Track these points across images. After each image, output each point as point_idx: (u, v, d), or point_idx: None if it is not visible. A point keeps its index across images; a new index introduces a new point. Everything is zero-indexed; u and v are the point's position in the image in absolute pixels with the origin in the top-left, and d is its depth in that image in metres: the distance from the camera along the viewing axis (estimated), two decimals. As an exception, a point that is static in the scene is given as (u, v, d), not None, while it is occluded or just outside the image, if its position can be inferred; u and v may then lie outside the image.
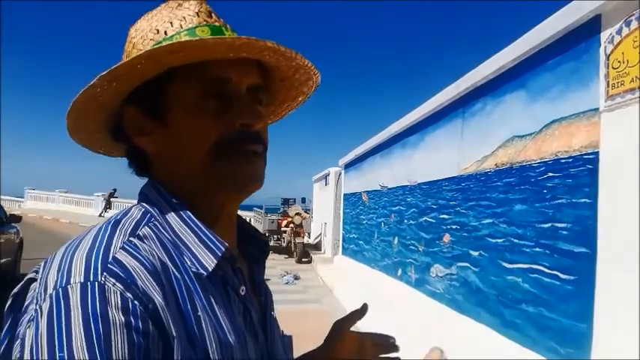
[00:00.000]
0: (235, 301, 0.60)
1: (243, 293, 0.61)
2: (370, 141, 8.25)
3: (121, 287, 0.46)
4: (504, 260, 3.52)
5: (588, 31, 2.75)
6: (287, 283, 8.80)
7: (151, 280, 0.49)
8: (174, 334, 0.48)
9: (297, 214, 13.28)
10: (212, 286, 0.57)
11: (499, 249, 3.62)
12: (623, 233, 2.36)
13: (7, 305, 0.53)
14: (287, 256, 12.96)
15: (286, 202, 16.32)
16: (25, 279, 0.54)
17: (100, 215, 23.78)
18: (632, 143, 2.34)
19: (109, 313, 0.44)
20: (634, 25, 2.38)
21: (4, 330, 0.52)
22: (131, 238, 0.52)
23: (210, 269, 0.56)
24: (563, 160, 2.92)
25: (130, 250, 0.51)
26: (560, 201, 2.92)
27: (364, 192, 8.66)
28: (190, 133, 0.59)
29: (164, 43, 0.56)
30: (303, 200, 16.81)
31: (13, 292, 0.54)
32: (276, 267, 10.41)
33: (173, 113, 0.59)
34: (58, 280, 0.47)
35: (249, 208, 18.26)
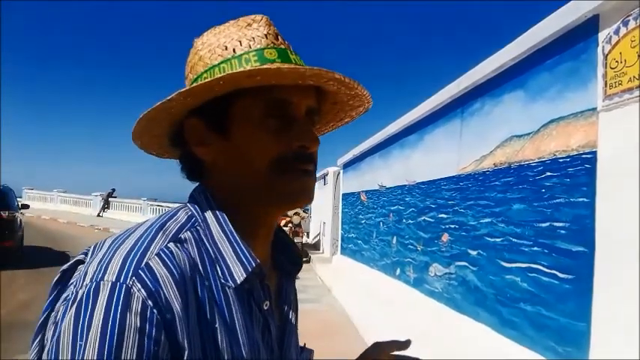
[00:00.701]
0: (256, 315, 0.63)
1: (266, 308, 0.64)
2: (369, 140, 8.26)
3: (145, 294, 0.50)
4: (503, 259, 3.53)
5: (586, 31, 2.76)
6: (286, 283, 8.80)
7: (176, 290, 0.53)
8: (187, 345, 0.52)
9: (296, 213, 13.27)
10: (236, 297, 0.60)
11: (497, 248, 3.63)
12: (621, 232, 2.37)
13: (55, 279, 0.59)
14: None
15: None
16: (74, 259, 0.60)
17: (98, 215, 23.73)
18: (630, 142, 2.35)
19: (127, 316, 0.48)
20: (632, 24, 2.39)
21: (48, 301, 0.58)
22: (170, 244, 0.57)
23: (238, 282, 0.59)
24: (561, 160, 2.93)
25: (164, 257, 0.55)
26: (558, 200, 2.93)
27: (363, 192, 8.67)
28: (251, 147, 0.62)
29: (233, 62, 0.62)
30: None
31: (62, 269, 0.60)
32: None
33: (236, 128, 0.63)
34: (96, 273, 0.52)
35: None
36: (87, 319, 0.48)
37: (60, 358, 0.47)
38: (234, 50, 0.64)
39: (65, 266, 0.60)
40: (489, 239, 3.78)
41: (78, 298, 0.50)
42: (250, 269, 0.60)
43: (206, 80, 0.58)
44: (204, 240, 0.61)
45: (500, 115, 3.83)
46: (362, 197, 8.72)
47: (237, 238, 0.61)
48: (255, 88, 0.60)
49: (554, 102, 3.07)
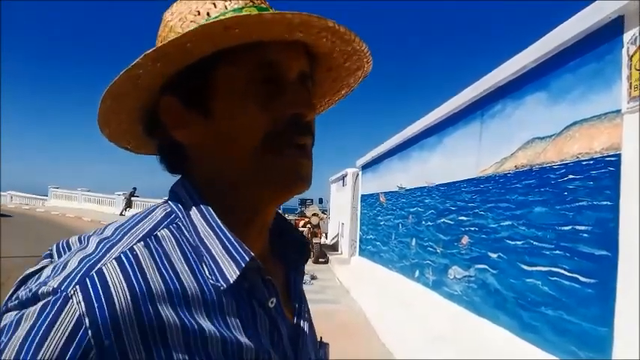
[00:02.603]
0: (260, 316, 0.54)
1: (272, 305, 0.55)
2: (388, 142, 8.24)
3: (83, 309, 0.42)
4: (523, 263, 3.50)
5: (611, 32, 2.72)
6: (304, 283, 8.81)
7: (130, 306, 0.43)
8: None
9: (315, 214, 13.31)
10: (233, 298, 0.52)
11: (518, 251, 3.59)
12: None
13: (15, 285, 0.49)
14: (304, 256, 13.00)
15: (303, 202, 16.38)
16: (38, 265, 0.51)
17: (120, 214, 24.19)
18: (655, 145, 2.31)
19: (49, 338, 0.40)
20: (658, 25, 2.35)
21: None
22: (137, 245, 0.48)
23: (231, 281, 0.50)
24: (584, 162, 2.89)
25: (125, 261, 0.46)
26: (580, 203, 2.89)
27: (382, 193, 8.65)
28: (237, 122, 0.53)
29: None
30: (321, 201, 16.87)
31: (25, 273, 0.50)
32: (293, 267, 10.45)
33: (217, 101, 0.54)
34: (45, 277, 0.45)
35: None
36: (11, 331, 0.41)
37: None
38: (207, 14, 0.55)
39: (27, 271, 0.50)
40: (510, 242, 3.74)
41: (15, 303, 0.43)
42: (244, 264, 0.51)
43: (177, 36, 0.49)
44: (188, 237, 0.52)
45: (521, 116, 3.79)
46: (381, 199, 8.70)
47: (226, 231, 0.53)
48: (236, 52, 0.52)
49: (578, 104, 3.03)
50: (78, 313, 0.41)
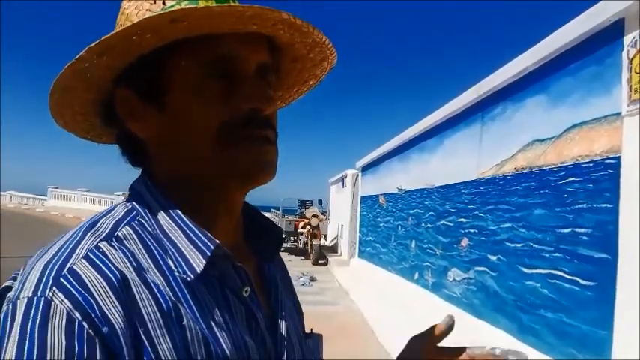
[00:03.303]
0: (235, 304, 0.53)
1: (246, 294, 0.54)
2: (388, 144, 8.25)
3: (69, 305, 0.41)
4: (523, 265, 3.49)
5: (611, 34, 2.72)
6: (303, 285, 8.83)
7: (112, 297, 0.43)
8: (139, 357, 0.43)
9: (314, 216, 13.31)
10: (205, 289, 0.51)
11: (518, 254, 3.59)
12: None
13: None
14: (303, 257, 13.01)
15: (303, 204, 16.39)
16: (2, 286, 0.50)
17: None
18: (655, 148, 2.31)
19: (49, 338, 0.40)
20: (658, 29, 2.35)
21: None
22: (102, 243, 0.48)
23: (198, 271, 0.50)
24: (584, 165, 2.89)
25: (95, 259, 0.45)
26: (580, 206, 2.89)
27: (382, 195, 8.65)
28: (191, 117, 0.52)
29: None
30: (320, 202, 16.86)
31: None
32: (292, 268, 10.40)
33: (171, 95, 0.53)
34: (15, 291, 0.44)
35: (266, 209, 18.38)
36: (2, 350, 0.40)
37: None
38: (164, 2, 0.52)
39: None
40: (509, 244, 3.74)
41: None
42: (209, 252, 0.50)
43: (121, 29, 0.47)
44: (151, 233, 0.52)
45: (521, 119, 3.80)
46: (381, 200, 8.70)
47: (189, 222, 0.52)
48: (190, 45, 0.50)
49: (578, 106, 3.04)
50: (65, 310, 0.41)
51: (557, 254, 3.09)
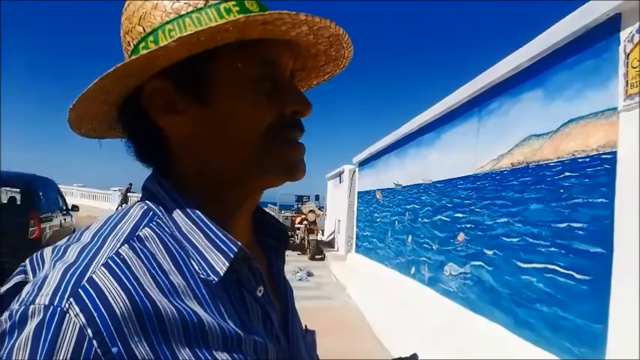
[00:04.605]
0: (252, 305, 0.54)
1: (260, 294, 0.55)
2: (385, 139, 8.24)
3: (83, 321, 0.40)
4: (519, 260, 3.51)
5: (608, 29, 2.72)
6: (300, 280, 8.85)
7: (130, 310, 0.42)
8: None
9: (311, 211, 13.31)
10: (224, 291, 0.51)
11: (514, 248, 3.60)
12: (641, 234, 2.34)
13: None
14: (300, 252, 13.02)
15: (300, 199, 16.38)
16: (11, 282, 0.48)
17: (116, 209, 24.11)
18: (651, 143, 2.31)
19: (56, 349, 0.39)
20: (655, 23, 2.35)
21: None
22: (122, 248, 0.47)
23: (221, 274, 0.50)
24: (580, 160, 2.90)
25: (114, 266, 0.44)
26: (576, 201, 2.90)
27: (378, 190, 8.65)
28: (240, 117, 0.53)
29: (210, 11, 0.51)
30: (317, 197, 16.86)
31: None
32: (289, 263, 10.46)
33: (218, 92, 0.52)
34: (27, 295, 0.42)
35: (263, 204, 18.31)
36: (6, 357, 0.39)
37: None
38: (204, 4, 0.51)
39: (2, 290, 0.47)
40: (506, 239, 3.75)
41: (4, 331, 0.40)
42: (233, 255, 0.51)
43: (181, 36, 0.46)
44: (170, 234, 0.51)
45: (518, 114, 3.80)
46: (377, 195, 8.71)
47: (210, 223, 0.52)
48: (238, 45, 0.51)
49: (574, 101, 3.04)
50: (78, 325, 0.40)
51: (553, 249, 3.10)
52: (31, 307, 0.40)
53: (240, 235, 0.55)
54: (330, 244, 14.18)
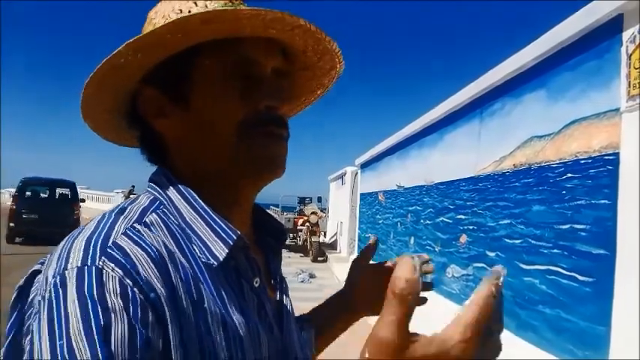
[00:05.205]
0: (248, 293, 0.57)
1: (257, 285, 0.58)
2: (387, 141, 8.24)
3: (121, 273, 0.44)
4: (522, 261, 3.50)
5: (610, 30, 2.72)
6: (302, 282, 8.84)
7: (154, 268, 0.46)
8: (177, 327, 0.46)
9: (313, 212, 13.30)
10: (223, 277, 0.54)
11: (516, 250, 3.59)
12: (644, 235, 2.33)
13: (12, 298, 0.52)
14: (302, 254, 13.01)
15: (302, 201, 16.38)
16: (29, 272, 0.53)
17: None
18: (654, 144, 2.30)
19: (107, 299, 0.42)
20: (657, 24, 2.35)
21: (9, 323, 0.50)
22: (135, 225, 0.50)
23: (221, 259, 0.53)
24: (582, 161, 2.89)
25: (133, 236, 0.48)
26: (579, 202, 2.89)
27: (381, 192, 8.65)
28: (214, 113, 0.56)
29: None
30: (320, 199, 16.86)
31: (18, 285, 0.52)
32: (291, 265, 10.46)
33: (196, 94, 0.57)
34: (57, 268, 0.45)
35: (265, 206, 18.37)
36: (62, 316, 0.41)
37: None
38: (189, 12, 0.56)
39: (21, 282, 0.52)
40: (508, 241, 3.74)
41: (46, 301, 0.43)
42: (232, 242, 0.54)
43: (156, 27, 0.52)
44: (174, 220, 0.55)
45: (520, 115, 3.79)
46: (380, 197, 8.70)
47: (211, 212, 0.55)
48: (213, 47, 0.55)
49: (576, 102, 3.03)
50: (118, 277, 0.43)
51: (555, 250, 3.09)
52: (66, 272, 0.44)
53: (238, 229, 0.57)
54: (333, 246, 14.17)
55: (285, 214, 15.31)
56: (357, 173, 11.44)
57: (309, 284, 8.75)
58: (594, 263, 2.70)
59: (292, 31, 0.57)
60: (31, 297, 0.49)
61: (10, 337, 0.50)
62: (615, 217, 2.54)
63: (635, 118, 2.47)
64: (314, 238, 12.42)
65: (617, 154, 2.58)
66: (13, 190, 15.01)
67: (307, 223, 13.06)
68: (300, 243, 13.76)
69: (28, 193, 13.08)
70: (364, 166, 10.58)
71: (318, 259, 12.11)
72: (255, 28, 0.54)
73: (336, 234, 14.07)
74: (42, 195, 13.51)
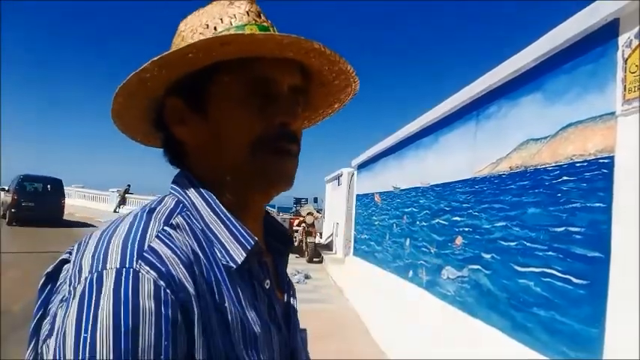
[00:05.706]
0: (260, 294, 0.61)
1: (267, 287, 0.62)
2: (383, 142, 8.25)
3: (155, 275, 0.48)
4: (517, 263, 3.51)
5: (606, 34, 2.74)
6: (298, 282, 8.83)
7: (184, 270, 0.50)
8: (202, 324, 0.49)
9: (309, 213, 13.29)
10: (239, 278, 0.58)
11: (512, 252, 3.60)
12: (638, 238, 2.34)
13: (40, 283, 0.56)
14: (298, 255, 12.99)
15: (298, 201, 16.40)
16: (58, 259, 0.57)
17: (114, 211, 24.07)
18: (649, 148, 2.32)
19: (140, 301, 0.46)
20: (653, 29, 2.36)
21: (36, 307, 0.55)
22: (165, 227, 0.54)
23: (239, 262, 0.57)
24: (578, 164, 2.90)
25: (165, 239, 0.52)
26: (574, 205, 2.91)
27: (377, 193, 8.66)
28: (230, 127, 0.60)
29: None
30: (316, 200, 16.88)
31: (46, 272, 0.56)
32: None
33: (214, 107, 0.61)
34: (94, 265, 0.48)
35: (261, 207, 18.34)
36: (92, 312, 0.45)
37: (68, 358, 0.44)
38: (215, 28, 0.62)
39: (50, 269, 0.57)
40: (503, 243, 3.75)
41: (78, 294, 0.47)
42: (250, 247, 0.58)
43: (179, 47, 0.56)
44: (196, 223, 0.58)
45: (516, 118, 3.81)
46: (376, 199, 8.71)
47: (231, 218, 0.59)
48: (234, 64, 0.59)
49: (572, 105, 3.05)
50: (152, 279, 0.47)
51: (550, 253, 3.11)
52: (104, 271, 0.47)
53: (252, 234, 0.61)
54: (329, 246, 14.17)
55: (281, 214, 15.31)
56: (353, 174, 11.44)
57: (304, 285, 8.74)
58: (589, 266, 2.72)
59: (307, 54, 0.60)
60: (58, 283, 0.54)
61: (35, 319, 0.54)
62: (610, 220, 2.56)
63: (631, 122, 2.49)
64: (310, 239, 12.41)
65: (612, 158, 2.59)
66: (6, 187, 17.86)
67: (303, 224, 13.04)
68: (296, 244, 13.75)
69: (26, 187, 16.49)
70: (361, 167, 10.59)
71: (314, 260, 12.10)
72: (272, 50, 0.58)
73: (332, 235, 14.07)
74: (37, 188, 16.95)
